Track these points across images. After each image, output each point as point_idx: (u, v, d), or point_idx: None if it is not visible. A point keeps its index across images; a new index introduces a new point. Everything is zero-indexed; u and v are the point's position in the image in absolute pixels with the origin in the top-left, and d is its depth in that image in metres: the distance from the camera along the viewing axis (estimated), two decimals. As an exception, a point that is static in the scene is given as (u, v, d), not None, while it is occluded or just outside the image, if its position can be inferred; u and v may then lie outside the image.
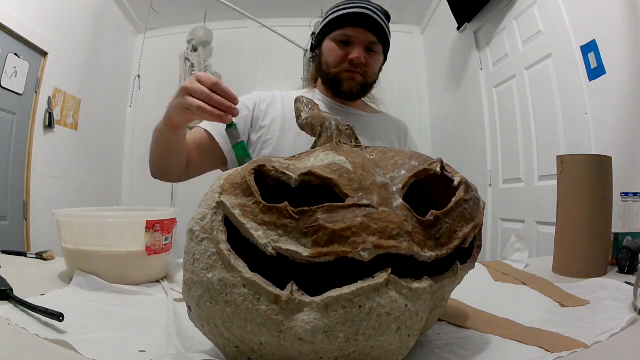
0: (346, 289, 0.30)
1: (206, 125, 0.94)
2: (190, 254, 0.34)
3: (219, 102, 0.67)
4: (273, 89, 1.04)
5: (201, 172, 0.93)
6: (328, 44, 0.95)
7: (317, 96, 1.00)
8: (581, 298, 0.56)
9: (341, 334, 0.29)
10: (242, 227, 0.32)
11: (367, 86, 0.97)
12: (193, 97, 0.67)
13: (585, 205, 0.72)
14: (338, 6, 0.96)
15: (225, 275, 0.31)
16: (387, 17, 0.96)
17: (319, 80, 1.02)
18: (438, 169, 0.39)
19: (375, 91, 1.04)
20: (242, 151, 0.72)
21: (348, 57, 0.92)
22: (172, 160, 0.84)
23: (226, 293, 0.31)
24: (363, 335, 0.30)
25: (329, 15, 0.96)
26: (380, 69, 1.00)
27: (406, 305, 0.31)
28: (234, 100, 0.69)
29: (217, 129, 0.92)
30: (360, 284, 0.30)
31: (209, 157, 0.91)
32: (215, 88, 0.67)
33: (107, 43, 2.74)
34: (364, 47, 0.92)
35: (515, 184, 2.01)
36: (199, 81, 0.67)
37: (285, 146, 0.90)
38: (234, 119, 0.70)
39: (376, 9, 0.93)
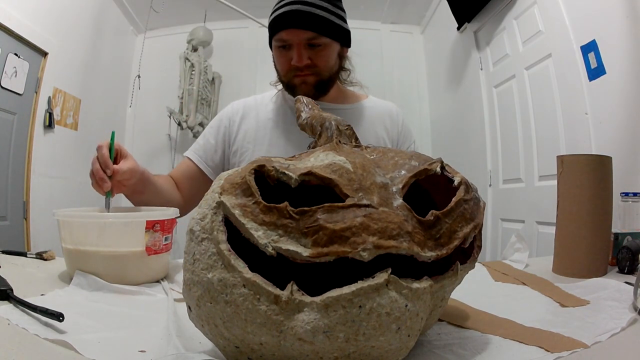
0: (346, 289, 0.30)
1: (190, 153, 0.95)
2: (190, 254, 0.34)
3: (96, 171, 0.70)
4: (272, 89, 1.03)
5: (198, 201, 0.92)
6: (274, 51, 0.90)
7: (287, 95, 0.96)
8: (581, 298, 0.56)
9: (341, 334, 0.29)
10: (242, 227, 0.32)
11: (323, 82, 0.89)
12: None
13: (585, 205, 0.72)
14: (275, 5, 0.87)
15: (225, 275, 0.31)
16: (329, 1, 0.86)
17: None
18: (438, 169, 0.39)
19: (352, 75, 0.97)
20: None
21: (291, 63, 0.86)
22: (160, 204, 0.83)
23: (226, 293, 0.31)
24: (363, 335, 0.30)
25: (270, 17, 0.88)
26: (341, 55, 0.91)
27: (406, 305, 0.31)
28: (106, 169, 0.70)
29: (199, 156, 0.93)
30: (360, 284, 0.30)
31: (201, 184, 0.90)
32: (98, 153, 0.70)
33: (107, 43, 2.74)
34: (304, 45, 0.84)
35: (515, 184, 2.01)
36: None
37: (260, 155, 0.90)
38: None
39: None
